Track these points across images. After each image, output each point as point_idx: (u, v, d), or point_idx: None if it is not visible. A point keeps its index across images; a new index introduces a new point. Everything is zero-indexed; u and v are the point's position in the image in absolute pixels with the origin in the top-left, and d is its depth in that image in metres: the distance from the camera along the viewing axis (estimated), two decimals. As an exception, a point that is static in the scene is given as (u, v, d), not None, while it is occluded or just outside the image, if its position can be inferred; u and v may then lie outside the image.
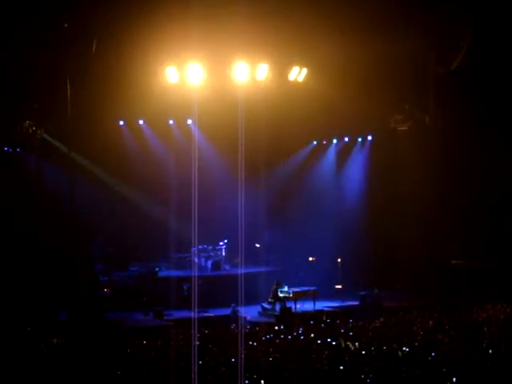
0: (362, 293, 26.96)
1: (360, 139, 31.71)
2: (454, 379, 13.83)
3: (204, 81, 25.18)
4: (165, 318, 24.53)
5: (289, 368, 15.18)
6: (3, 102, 24.68)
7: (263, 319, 24.81)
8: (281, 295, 25.63)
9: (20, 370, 15.54)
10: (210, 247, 29.18)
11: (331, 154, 32.16)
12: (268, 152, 27.26)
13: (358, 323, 21.91)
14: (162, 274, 28.22)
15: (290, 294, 25.65)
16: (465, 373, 14.48)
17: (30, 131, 26.31)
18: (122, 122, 29.37)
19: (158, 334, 20.77)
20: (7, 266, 24.67)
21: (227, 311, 24.47)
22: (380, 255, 29.46)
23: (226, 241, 29.35)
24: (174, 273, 27.46)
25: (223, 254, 29.41)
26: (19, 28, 23.22)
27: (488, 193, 28.04)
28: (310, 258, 29.53)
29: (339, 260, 29.06)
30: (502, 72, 26.13)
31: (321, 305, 26.19)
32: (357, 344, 17.21)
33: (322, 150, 32.18)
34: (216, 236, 29.07)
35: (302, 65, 27.05)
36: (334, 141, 32.06)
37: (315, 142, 32.07)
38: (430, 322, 20.98)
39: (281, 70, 26.89)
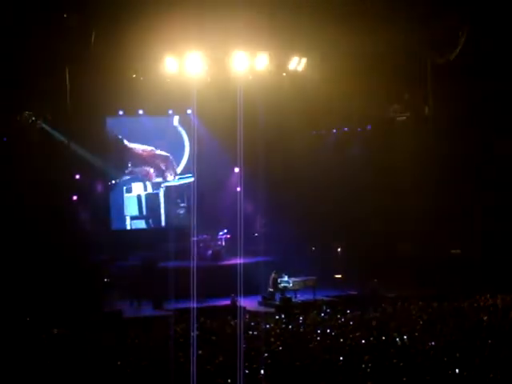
0: (362, 282, 26.96)
1: (359, 129, 31.64)
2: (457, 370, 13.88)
3: (203, 71, 25.16)
4: (164, 308, 24.58)
5: (289, 358, 15.23)
6: (2, 92, 24.63)
7: (263, 309, 24.84)
8: (281, 285, 25.65)
9: (20, 361, 15.58)
10: (210, 237, 29.16)
11: (330, 143, 32.08)
12: (267, 142, 27.27)
13: (358, 313, 21.96)
14: (162, 264, 28.20)
15: (289, 283, 25.68)
16: (464, 362, 14.53)
17: (29, 121, 26.29)
18: (121, 112, 29.30)
19: (158, 324, 20.80)
20: (6, 256, 24.65)
21: (227, 301, 24.48)
22: (379, 245, 29.44)
23: (225, 230, 29.33)
24: (173, 263, 27.42)
25: (223, 243, 29.40)
26: (18, 18, 23.18)
27: (487, 183, 28.06)
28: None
29: (339, 250, 29.11)
30: (501, 62, 26.11)
31: (321, 294, 26.21)
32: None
33: (320, 139, 32.10)
34: (216, 226, 29.05)
35: (301, 55, 27.04)
36: (333, 130, 31.99)
37: (314, 132, 31.98)
38: (430, 311, 21.03)
39: (280, 60, 26.89)
